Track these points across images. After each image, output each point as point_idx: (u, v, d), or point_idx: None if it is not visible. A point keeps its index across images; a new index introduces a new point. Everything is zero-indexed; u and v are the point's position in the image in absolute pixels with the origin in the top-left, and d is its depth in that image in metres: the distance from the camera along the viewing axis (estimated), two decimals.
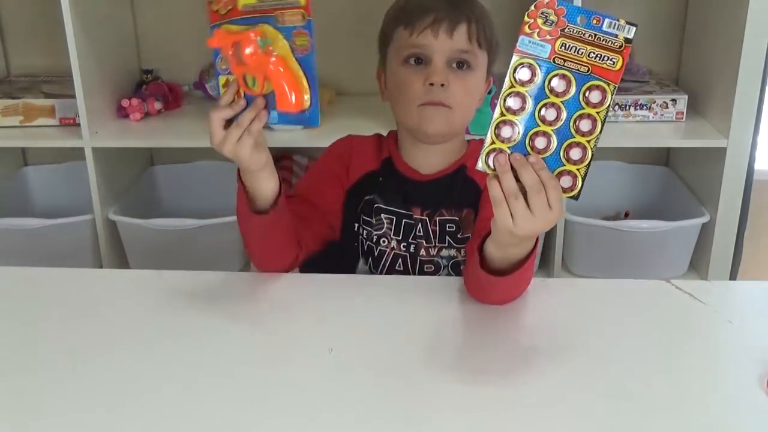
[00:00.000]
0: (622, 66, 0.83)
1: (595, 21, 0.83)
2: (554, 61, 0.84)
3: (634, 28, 0.82)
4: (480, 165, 0.86)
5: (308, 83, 0.95)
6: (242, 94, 0.97)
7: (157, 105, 2.04)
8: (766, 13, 1.70)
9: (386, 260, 1.20)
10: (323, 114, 2.03)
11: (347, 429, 0.83)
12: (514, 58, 0.84)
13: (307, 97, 0.95)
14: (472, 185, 1.18)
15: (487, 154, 0.85)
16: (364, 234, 1.21)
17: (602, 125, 0.84)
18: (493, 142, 0.85)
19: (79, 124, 1.88)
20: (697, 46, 2.05)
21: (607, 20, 0.83)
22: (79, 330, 1.01)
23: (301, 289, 1.12)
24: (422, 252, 1.19)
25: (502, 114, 0.85)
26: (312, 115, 0.96)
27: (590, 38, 0.83)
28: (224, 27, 0.96)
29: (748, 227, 1.92)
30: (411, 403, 0.86)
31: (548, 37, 0.84)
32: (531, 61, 0.84)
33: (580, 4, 1.68)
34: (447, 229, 1.19)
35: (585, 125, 0.84)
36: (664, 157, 2.22)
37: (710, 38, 1.92)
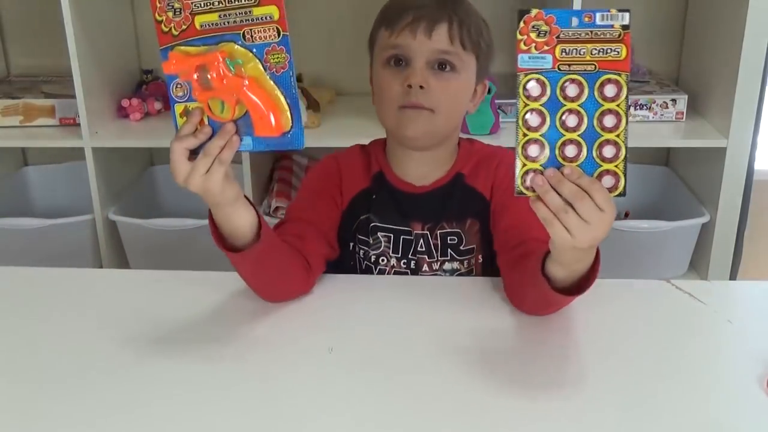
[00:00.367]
0: (627, 53, 0.82)
1: (587, 18, 0.82)
2: (559, 69, 0.83)
3: (628, 14, 0.82)
4: (518, 189, 0.84)
5: (288, 102, 0.87)
6: (206, 121, 0.88)
7: (157, 105, 2.04)
8: (766, 13, 1.70)
9: None
10: (323, 114, 2.04)
11: (347, 429, 0.83)
12: (520, 77, 0.83)
13: (287, 116, 0.87)
14: (473, 194, 1.15)
15: (522, 177, 0.84)
16: (361, 254, 1.18)
17: (626, 116, 0.83)
18: (524, 165, 0.84)
19: (79, 124, 1.88)
20: (697, 46, 2.05)
21: (598, 14, 0.82)
22: (79, 330, 1.01)
23: None
24: (424, 267, 1.16)
25: (524, 134, 0.84)
26: (295, 136, 0.87)
27: (588, 36, 0.82)
28: (179, 49, 0.87)
29: (748, 227, 1.92)
30: (411, 403, 0.86)
31: (546, 47, 0.83)
32: (537, 76, 0.83)
33: (581, 6, 1.69)
34: (449, 241, 1.16)
35: (609, 121, 0.83)
36: (664, 157, 2.21)
37: (710, 38, 1.92)
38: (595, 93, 0.83)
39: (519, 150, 0.84)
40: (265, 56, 0.86)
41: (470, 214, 1.15)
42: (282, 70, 0.86)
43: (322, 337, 0.98)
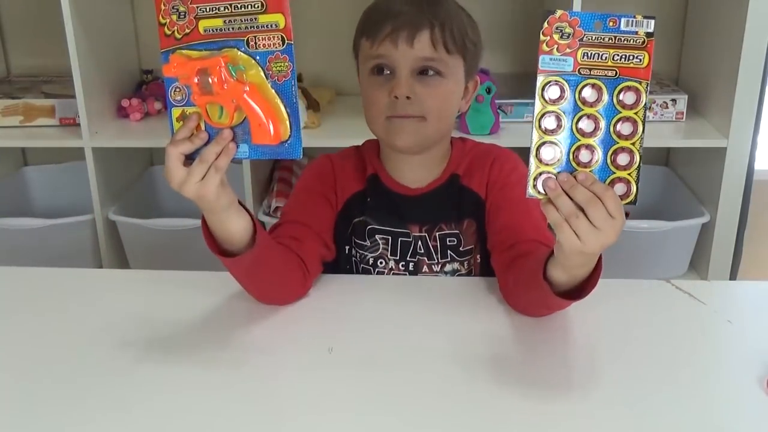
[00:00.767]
0: (649, 61, 0.81)
1: (611, 23, 0.81)
2: (580, 72, 0.83)
3: (653, 21, 0.81)
4: (530, 192, 0.84)
5: (288, 111, 0.86)
6: (203, 127, 0.87)
7: (157, 105, 2.04)
8: (766, 13, 1.70)
9: None
10: (323, 114, 2.04)
11: (347, 429, 0.83)
12: (540, 79, 0.83)
13: (286, 125, 0.86)
14: (469, 194, 1.15)
15: (535, 180, 0.84)
16: (358, 257, 1.17)
17: (643, 125, 0.82)
18: (537, 167, 0.84)
19: (79, 124, 1.88)
20: (697, 46, 2.05)
21: (623, 19, 0.81)
22: (78, 330, 1.01)
23: None
24: (424, 269, 1.16)
25: (540, 137, 0.84)
26: (293, 146, 0.87)
27: (611, 41, 0.82)
28: (180, 52, 0.86)
29: (748, 227, 1.92)
30: (411, 403, 0.86)
31: (568, 50, 0.82)
32: (557, 78, 0.83)
33: (580, 8, 1.69)
34: (448, 243, 1.15)
35: (626, 129, 0.82)
36: (664, 157, 2.21)
37: (710, 38, 1.92)
38: (614, 99, 0.82)
39: (533, 151, 0.83)
40: (267, 64, 0.85)
41: (467, 214, 1.15)
42: (284, 79, 0.85)
43: (322, 337, 0.98)
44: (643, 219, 1.90)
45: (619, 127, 0.83)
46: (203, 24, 0.86)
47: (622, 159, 0.83)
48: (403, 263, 1.16)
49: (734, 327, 1.01)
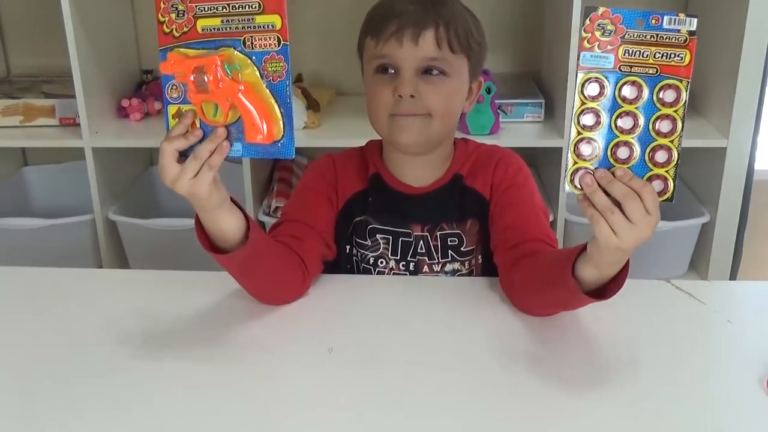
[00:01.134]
0: (691, 60, 0.81)
1: (654, 21, 0.81)
2: (620, 70, 0.82)
3: (696, 20, 0.81)
4: (567, 188, 0.84)
5: (281, 112, 0.86)
6: (198, 124, 0.88)
7: (157, 105, 2.04)
8: (766, 13, 1.70)
9: None
10: (323, 114, 2.04)
11: (347, 428, 0.83)
12: (580, 75, 0.83)
13: (280, 125, 0.86)
14: (473, 195, 1.15)
15: (572, 175, 0.84)
16: (359, 256, 1.17)
17: (683, 123, 0.82)
18: (575, 162, 0.84)
19: (79, 124, 1.88)
20: (697, 46, 2.05)
21: (666, 17, 0.81)
22: (78, 330, 1.01)
23: None
24: (424, 269, 1.16)
25: (578, 133, 0.83)
26: (285, 146, 0.87)
27: (652, 39, 0.81)
28: (178, 50, 0.87)
29: (748, 227, 1.92)
30: (411, 403, 0.86)
31: (609, 47, 0.82)
32: (597, 75, 0.83)
33: (580, 8, 1.69)
34: (449, 243, 1.15)
35: (665, 126, 0.82)
36: None
37: (710, 38, 1.92)
38: (654, 97, 0.82)
39: (571, 147, 0.83)
40: (263, 64, 0.86)
41: (470, 215, 1.15)
42: (279, 79, 0.86)
43: (322, 337, 0.98)
44: None
45: (658, 124, 0.83)
46: (201, 23, 0.87)
47: (660, 156, 0.83)
48: (404, 263, 1.16)
49: (734, 327, 1.01)
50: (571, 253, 0.91)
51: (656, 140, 0.83)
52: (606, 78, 0.83)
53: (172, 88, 0.88)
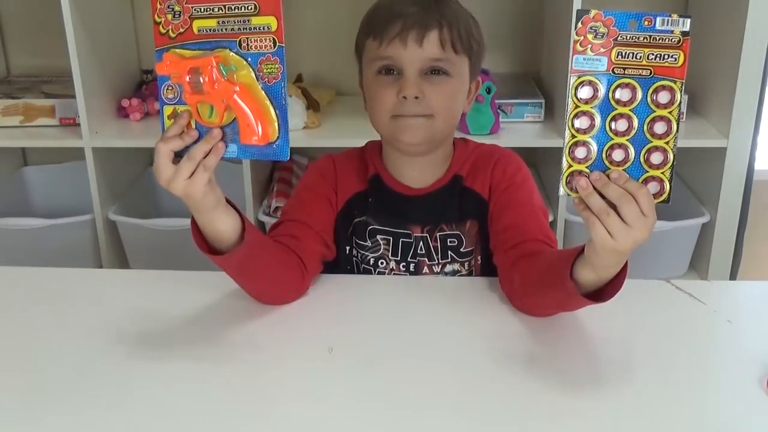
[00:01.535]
0: (684, 61, 0.81)
1: (646, 22, 0.81)
2: (614, 72, 0.82)
3: (689, 20, 0.80)
4: (562, 191, 0.84)
5: (276, 113, 0.86)
6: (193, 125, 0.88)
7: (157, 105, 2.02)
8: (766, 13, 1.70)
9: None
10: (323, 114, 2.04)
11: (347, 428, 0.83)
12: (572, 79, 0.83)
13: (275, 127, 0.86)
14: (472, 195, 1.14)
15: (567, 178, 0.83)
16: (359, 257, 1.17)
17: (678, 124, 0.82)
18: (570, 166, 0.83)
19: (79, 124, 1.88)
20: (697, 46, 2.03)
21: (659, 18, 0.81)
22: (78, 330, 1.01)
23: None
24: (424, 269, 1.16)
25: (572, 136, 0.83)
26: (280, 147, 0.87)
27: (645, 41, 0.81)
28: (174, 51, 0.87)
29: (748, 227, 1.92)
30: (411, 403, 0.86)
31: (602, 49, 0.82)
32: (590, 78, 0.83)
33: (580, 5, 1.69)
34: (449, 243, 1.15)
35: (660, 128, 0.82)
36: None
37: (710, 38, 1.92)
38: (648, 99, 0.82)
39: (566, 151, 0.83)
40: (258, 66, 0.86)
41: (470, 215, 1.15)
42: (274, 81, 0.86)
43: (322, 337, 0.98)
44: None
45: (653, 126, 0.82)
46: (197, 24, 0.87)
47: (656, 158, 0.83)
48: (404, 264, 1.16)
49: (734, 327, 1.01)
50: (570, 254, 0.91)
51: (651, 142, 0.83)
52: (599, 81, 0.83)
53: (167, 89, 0.88)
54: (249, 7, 0.84)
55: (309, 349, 0.96)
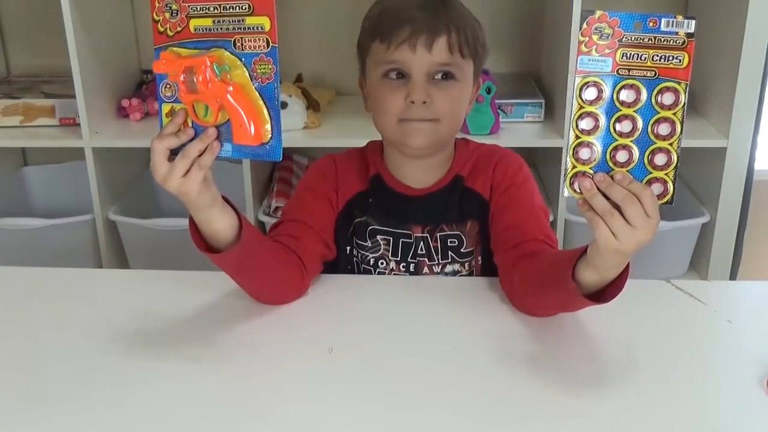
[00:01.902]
0: (689, 62, 0.81)
1: (651, 23, 0.81)
2: (618, 73, 0.82)
3: (694, 21, 0.80)
4: (566, 192, 0.84)
5: (270, 114, 0.86)
6: (189, 123, 0.88)
7: (157, 105, 2.04)
8: (766, 13, 1.70)
9: None
10: (323, 114, 2.04)
11: (347, 429, 0.83)
12: (577, 80, 0.82)
13: (267, 127, 0.86)
14: (473, 196, 1.15)
15: (571, 179, 0.83)
16: (359, 257, 1.17)
17: (682, 125, 0.82)
18: (574, 166, 0.83)
19: (79, 124, 1.88)
20: (697, 46, 2.05)
21: (664, 20, 0.80)
22: (78, 330, 1.01)
23: None
24: (424, 270, 1.16)
25: (576, 137, 0.83)
26: (273, 148, 0.87)
27: (650, 42, 0.81)
28: (172, 50, 0.87)
29: (748, 227, 1.92)
30: (411, 403, 0.86)
31: (607, 50, 0.82)
32: (595, 79, 0.82)
33: (580, 9, 1.69)
34: (449, 244, 1.15)
35: (664, 129, 0.82)
36: None
37: (710, 38, 1.92)
38: (653, 100, 0.82)
39: (570, 152, 0.83)
40: (252, 66, 0.85)
41: (471, 216, 1.15)
42: (267, 81, 0.85)
43: (322, 337, 0.98)
44: None
45: (657, 127, 0.82)
46: (194, 23, 0.87)
47: (660, 159, 0.83)
48: (404, 264, 1.16)
49: (734, 327, 1.01)
50: (572, 255, 0.91)
51: (655, 143, 0.83)
52: (604, 81, 0.82)
53: (165, 87, 0.88)
54: (243, 7, 0.84)
55: (309, 349, 0.96)
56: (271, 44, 0.84)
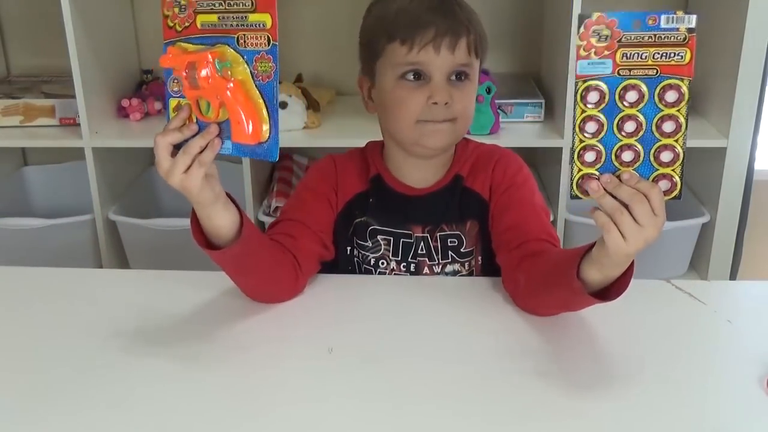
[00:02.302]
0: (691, 58, 0.80)
1: (651, 21, 0.80)
2: (619, 74, 0.81)
3: (695, 17, 0.79)
4: (573, 194, 0.84)
5: (268, 112, 0.86)
6: (194, 119, 0.88)
7: (157, 105, 2.04)
8: (766, 13, 1.70)
9: None
10: (323, 114, 2.04)
11: (347, 429, 0.83)
12: (578, 84, 0.82)
13: (266, 128, 0.86)
14: (473, 196, 1.14)
15: (578, 182, 0.83)
16: (360, 257, 1.17)
17: (686, 121, 0.81)
18: (580, 169, 0.83)
19: (79, 124, 1.88)
20: (697, 46, 2.05)
21: (663, 17, 0.79)
22: (78, 330, 1.01)
23: None
24: (425, 270, 1.16)
25: (581, 140, 0.83)
26: (270, 148, 0.87)
27: (651, 40, 0.80)
28: (179, 45, 0.88)
29: (748, 227, 1.92)
30: (411, 403, 0.86)
31: (606, 52, 0.81)
32: (596, 83, 0.82)
33: (580, 8, 1.69)
34: (449, 244, 1.15)
35: (668, 126, 0.82)
36: None
37: (710, 38, 1.92)
38: (656, 98, 0.81)
39: (575, 155, 0.83)
40: (254, 63, 0.85)
41: (471, 216, 1.15)
42: (267, 80, 0.85)
43: (322, 337, 0.98)
44: None
45: (661, 125, 0.82)
46: (200, 19, 0.87)
47: (666, 156, 0.82)
48: (404, 264, 1.16)
49: (734, 327, 1.01)
50: (575, 254, 0.91)
51: (660, 140, 0.82)
52: (605, 84, 0.82)
53: (173, 82, 0.89)
54: (246, 4, 0.84)
55: (309, 349, 0.96)
56: (271, 42, 0.84)
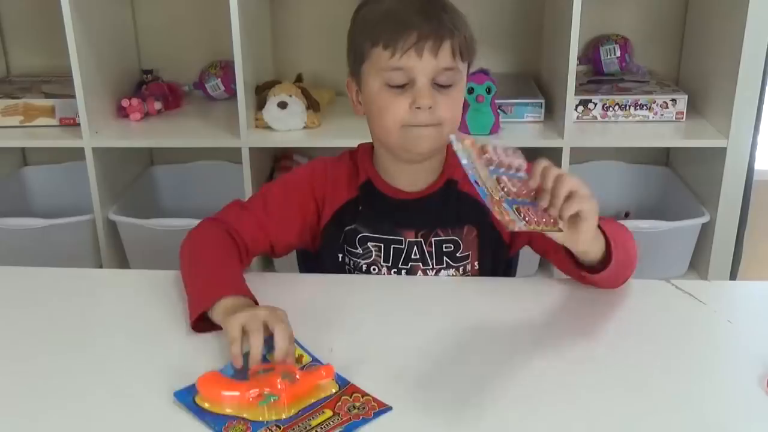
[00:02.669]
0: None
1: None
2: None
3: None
4: (521, 225, 0.87)
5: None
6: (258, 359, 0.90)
7: (157, 105, 2.04)
8: (766, 13, 1.70)
9: None
10: (323, 114, 2.03)
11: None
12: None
13: None
14: (468, 200, 1.12)
15: (516, 213, 0.87)
16: (351, 264, 1.17)
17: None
18: (502, 214, 0.86)
19: (79, 124, 1.88)
20: (697, 46, 2.05)
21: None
22: (78, 330, 1.01)
23: (301, 289, 1.12)
24: (418, 274, 1.15)
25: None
26: None
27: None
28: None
29: (748, 227, 1.92)
30: (412, 403, 0.86)
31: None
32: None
33: (580, 8, 1.69)
34: (444, 249, 1.14)
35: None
36: (664, 157, 2.22)
37: (710, 38, 1.92)
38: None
39: (494, 209, 0.87)
40: None
41: (467, 220, 1.14)
42: None
43: (322, 337, 0.98)
44: (643, 219, 1.90)
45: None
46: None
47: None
48: (396, 270, 1.16)
49: (734, 327, 1.01)
50: (569, 260, 1.00)
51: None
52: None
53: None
54: None
55: (309, 349, 0.96)
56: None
